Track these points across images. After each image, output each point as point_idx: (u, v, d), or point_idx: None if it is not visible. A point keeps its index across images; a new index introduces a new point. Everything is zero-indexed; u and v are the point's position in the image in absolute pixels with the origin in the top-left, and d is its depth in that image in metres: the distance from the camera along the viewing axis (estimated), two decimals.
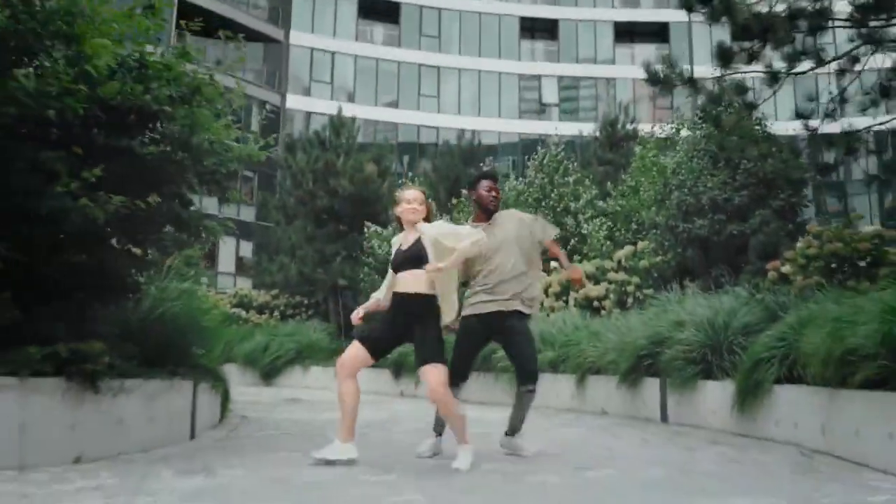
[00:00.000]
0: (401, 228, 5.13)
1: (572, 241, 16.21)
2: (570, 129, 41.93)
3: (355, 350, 4.84)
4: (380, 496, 3.68)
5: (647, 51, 43.71)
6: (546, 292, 14.34)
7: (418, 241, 4.88)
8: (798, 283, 8.16)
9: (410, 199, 5.01)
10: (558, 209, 16.64)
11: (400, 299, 4.85)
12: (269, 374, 17.14)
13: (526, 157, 41.80)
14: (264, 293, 20.73)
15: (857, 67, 7.99)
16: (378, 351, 4.90)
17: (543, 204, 16.83)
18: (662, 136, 16.46)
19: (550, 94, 44.43)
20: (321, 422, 8.09)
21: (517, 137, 42.78)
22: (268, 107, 8.12)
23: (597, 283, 13.48)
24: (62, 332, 4.61)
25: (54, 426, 4.30)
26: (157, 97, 5.15)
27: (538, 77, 44.24)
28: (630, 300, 12.06)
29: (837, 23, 7.84)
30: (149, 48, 5.54)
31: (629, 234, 14.01)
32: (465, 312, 5.26)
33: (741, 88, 6.84)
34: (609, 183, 16.58)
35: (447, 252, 4.75)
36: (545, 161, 17.36)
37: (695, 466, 4.89)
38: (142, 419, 5.03)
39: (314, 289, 20.21)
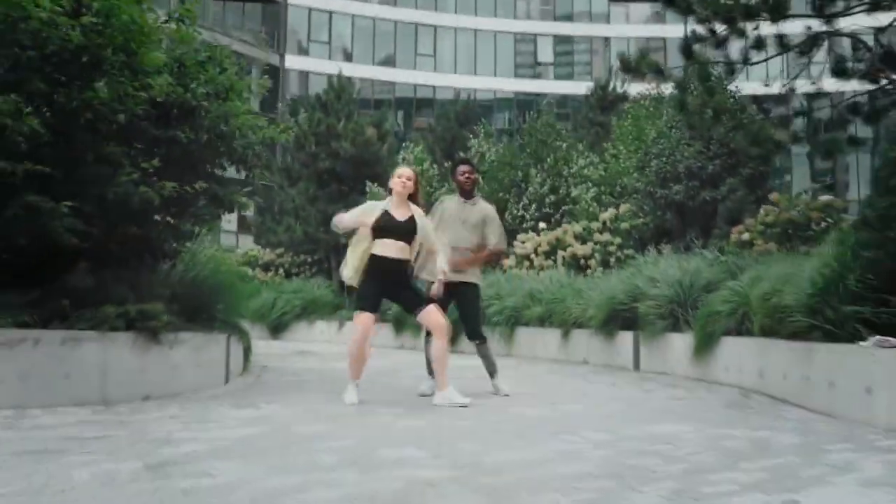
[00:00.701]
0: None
1: (564, 207, 17.16)
2: (564, 87, 42.67)
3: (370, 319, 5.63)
4: (391, 421, 4.72)
5: (643, 8, 44.16)
6: (535, 251, 15.36)
7: (412, 219, 5.61)
8: (757, 248, 9.17)
9: (402, 173, 5.69)
10: (552, 172, 17.54)
11: (387, 262, 5.54)
12: (276, 329, 18.20)
13: (521, 116, 42.74)
14: (269, 252, 21.71)
15: (815, 51, 8.84)
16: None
17: (538, 167, 17.73)
18: (647, 102, 17.29)
19: (546, 53, 44.93)
20: (332, 370, 9.14)
21: (512, 96, 43.42)
22: (268, 78, 8.78)
23: (584, 242, 14.49)
24: (128, 295, 5.61)
25: (128, 370, 5.33)
26: (196, 95, 6.08)
27: (533, 36, 44.69)
28: (613, 260, 13.06)
29: (798, 11, 8.69)
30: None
31: (613, 196, 14.95)
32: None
33: (705, 76, 7.72)
34: (594, 154, 17.45)
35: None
36: (538, 127, 18.21)
37: (648, 403, 5.94)
38: (191, 365, 6.06)
39: (317, 247, 21.19)
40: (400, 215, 5.59)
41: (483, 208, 6.54)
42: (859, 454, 3.91)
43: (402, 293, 5.68)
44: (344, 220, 5.83)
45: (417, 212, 5.71)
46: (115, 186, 5.50)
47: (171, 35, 6.09)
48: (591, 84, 29.64)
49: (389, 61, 42.91)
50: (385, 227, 5.53)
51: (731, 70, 7.72)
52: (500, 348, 12.53)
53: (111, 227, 5.95)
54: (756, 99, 8.45)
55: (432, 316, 5.55)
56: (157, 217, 6.77)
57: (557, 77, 43.82)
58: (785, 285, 6.15)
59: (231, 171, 7.59)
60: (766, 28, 8.55)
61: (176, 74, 6.17)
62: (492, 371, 6.44)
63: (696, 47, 7.82)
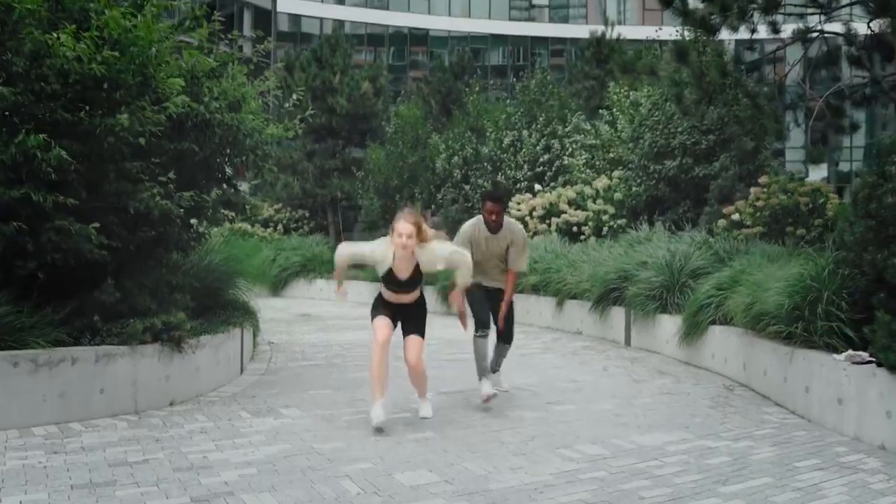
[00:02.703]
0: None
1: (557, 162, 17.40)
2: (559, 31, 42.28)
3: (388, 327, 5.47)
4: (401, 434, 5.16)
5: None
6: (531, 214, 15.69)
7: (417, 272, 5.39)
8: (745, 232, 9.54)
9: (402, 231, 5.22)
10: (546, 132, 17.73)
11: (392, 304, 5.52)
12: (276, 286, 18.61)
13: (515, 52, 42.45)
14: (268, 206, 21.99)
15: (808, 43, 9.05)
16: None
17: (532, 126, 17.90)
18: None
19: None
20: (337, 346, 9.60)
21: (507, 40, 43.04)
22: (261, 49, 8.86)
23: (577, 208, 14.82)
24: (152, 306, 5.96)
25: (155, 380, 5.73)
26: (209, 108, 6.33)
27: None
28: (605, 229, 13.42)
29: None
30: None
31: (606, 163, 15.20)
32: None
33: (698, 73, 7.93)
34: (586, 122, 17.60)
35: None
36: (532, 86, 18.31)
37: (637, 400, 6.39)
38: (211, 365, 6.46)
39: (315, 202, 21.49)
40: (403, 272, 5.39)
41: (509, 233, 6.44)
42: (827, 474, 4.37)
43: (406, 320, 5.56)
44: (340, 260, 5.77)
45: (426, 253, 5.39)
46: (136, 201, 5.80)
47: (186, 58, 6.29)
48: (585, 29, 29.50)
49: (383, 3, 42.33)
50: (388, 280, 5.44)
51: (723, 73, 7.93)
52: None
53: (129, 236, 6.27)
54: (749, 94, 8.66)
55: (409, 348, 5.43)
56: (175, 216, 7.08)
57: (553, 20, 43.33)
58: (765, 292, 6.54)
59: None
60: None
61: (189, 85, 6.40)
62: (497, 368, 6.67)
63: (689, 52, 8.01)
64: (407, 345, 5.46)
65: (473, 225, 6.47)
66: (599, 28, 24.87)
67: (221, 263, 8.51)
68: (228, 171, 7.29)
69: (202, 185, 6.77)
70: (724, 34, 8.33)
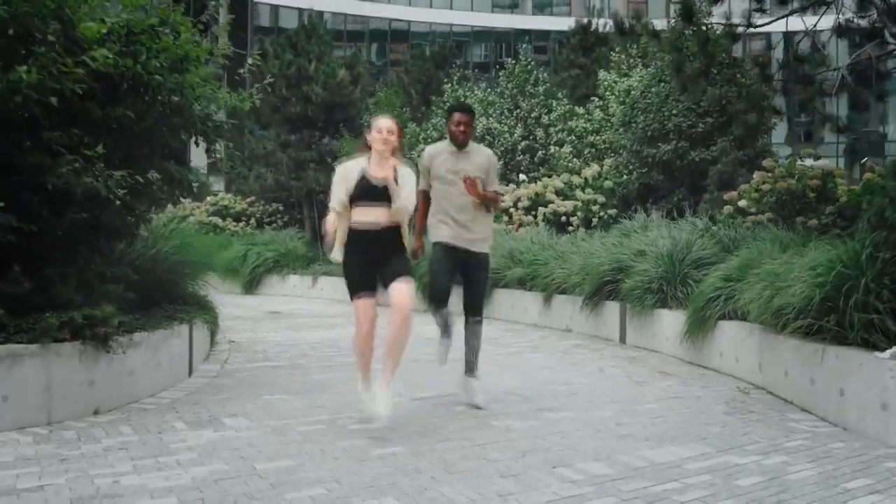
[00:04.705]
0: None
1: (540, 152, 16.59)
2: (543, 23, 41.50)
3: (371, 307, 4.75)
4: (366, 448, 4.28)
5: None
6: (515, 205, 14.85)
7: (394, 178, 4.72)
8: (751, 219, 8.73)
9: (382, 126, 4.77)
10: (529, 120, 16.92)
11: (367, 233, 4.73)
12: (249, 284, 17.68)
13: (497, 48, 41.54)
14: (241, 200, 21.00)
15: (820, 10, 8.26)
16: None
17: (514, 114, 17.08)
18: (633, 50, 16.61)
19: None
20: (304, 345, 8.70)
21: (490, 31, 42.20)
22: (248, 64, 8.07)
23: (565, 198, 14.00)
24: (75, 296, 5.05)
25: (75, 384, 4.81)
26: (147, 68, 5.41)
27: None
28: (595, 220, 12.60)
29: None
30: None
31: (595, 150, 14.41)
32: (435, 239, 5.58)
33: (703, 39, 7.15)
34: (576, 106, 16.81)
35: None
36: (516, 72, 17.49)
37: (642, 406, 5.55)
38: (149, 367, 5.55)
39: (289, 195, 20.53)
40: (379, 176, 4.71)
41: (481, 155, 5.62)
42: (886, 498, 3.55)
43: (387, 262, 4.75)
44: (331, 217, 4.92)
45: (403, 170, 4.84)
46: (55, 177, 4.89)
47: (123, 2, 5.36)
48: (570, 21, 28.68)
49: None
50: (362, 192, 4.70)
51: (733, 34, 7.14)
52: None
53: (55, 217, 5.35)
54: (756, 60, 7.90)
55: (402, 294, 4.63)
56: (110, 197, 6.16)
57: (536, 11, 42.55)
58: (783, 283, 5.72)
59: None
60: None
61: (123, 43, 5.48)
62: (472, 362, 5.65)
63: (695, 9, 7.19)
64: (395, 287, 4.65)
65: (432, 152, 5.62)
66: (585, 19, 24.12)
67: (173, 251, 7.61)
68: (179, 145, 6.35)
69: (144, 161, 5.83)
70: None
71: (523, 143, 16.76)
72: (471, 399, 5.50)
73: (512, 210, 14.72)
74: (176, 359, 6.13)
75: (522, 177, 16.32)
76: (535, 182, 15.15)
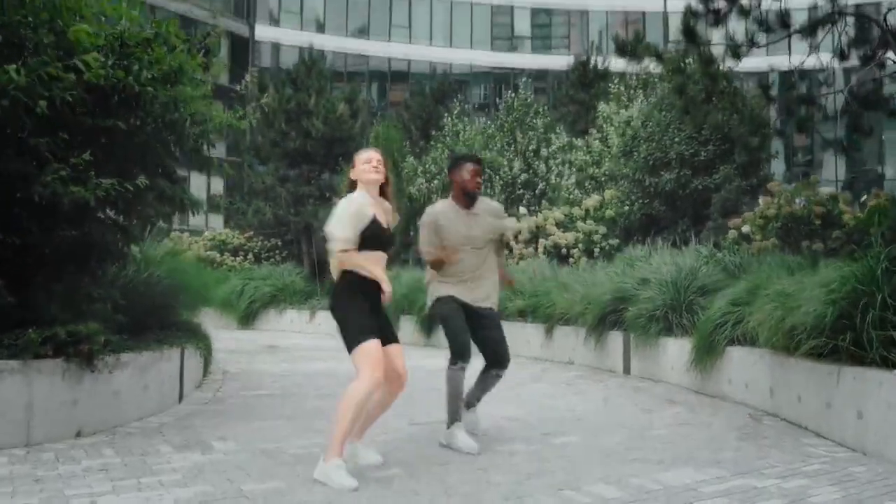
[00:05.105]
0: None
1: (541, 184, 16.49)
2: (542, 61, 41.81)
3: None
4: (362, 469, 4.04)
5: None
6: (515, 238, 14.70)
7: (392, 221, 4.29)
8: (756, 245, 8.56)
9: (370, 157, 4.24)
10: (528, 153, 16.85)
11: (376, 295, 4.11)
12: (245, 319, 17.44)
13: (497, 89, 41.79)
14: (238, 235, 20.85)
15: (820, 33, 8.20)
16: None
17: (513, 147, 17.02)
18: (631, 78, 16.62)
19: (523, 25, 44.00)
20: (299, 375, 8.46)
21: (489, 69, 42.52)
22: (245, 80, 8.06)
23: (566, 230, 13.84)
24: (59, 314, 4.85)
25: (57, 403, 4.58)
26: (139, 79, 5.28)
27: (510, 7, 43.70)
28: (597, 250, 12.43)
29: None
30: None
31: (595, 181, 14.31)
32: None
33: (707, 58, 7.06)
34: (575, 138, 16.78)
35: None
36: (515, 105, 17.48)
37: (650, 431, 5.31)
38: (136, 390, 5.32)
39: (287, 230, 20.39)
40: (384, 219, 4.23)
41: (489, 213, 5.11)
42: None
43: (380, 317, 4.20)
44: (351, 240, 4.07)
45: (395, 216, 4.39)
46: (41, 186, 4.72)
47: (107, 11, 5.25)
48: (569, 59, 28.85)
49: (363, 32, 41.73)
50: (373, 238, 4.09)
51: (735, 53, 7.05)
52: None
53: (44, 232, 5.17)
54: (760, 80, 7.82)
55: (401, 359, 4.20)
56: (100, 216, 5.99)
57: (535, 50, 42.93)
58: (794, 302, 5.52)
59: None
60: (770, 5, 7.91)
61: (117, 55, 5.36)
62: (474, 402, 5.18)
63: (697, 30, 7.11)
64: (396, 353, 4.17)
65: (437, 210, 5.00)
66: (584, 55, 24.24)
67: (166, 276, 7.42)
68: (173, 162, 6.19)
69: (133, 175, 5.66)
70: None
71: (523, 177, 16.68)
72: (473, 430, 5.06)
73: (512, 243, 14.56)
74: (165, 383, 5.90)
75: (523, 210, 16.20)
76: (536, 215, 15.03)
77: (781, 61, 8.82)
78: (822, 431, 5.15)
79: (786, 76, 9.42)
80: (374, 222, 4.10)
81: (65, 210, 4.97)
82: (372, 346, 3.93)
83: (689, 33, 6.86)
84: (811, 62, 7.34)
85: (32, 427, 4.44)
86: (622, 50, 7.13)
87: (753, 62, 11.70)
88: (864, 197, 9.07)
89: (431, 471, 4.10)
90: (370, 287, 4.05)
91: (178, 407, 6.08)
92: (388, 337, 4.17)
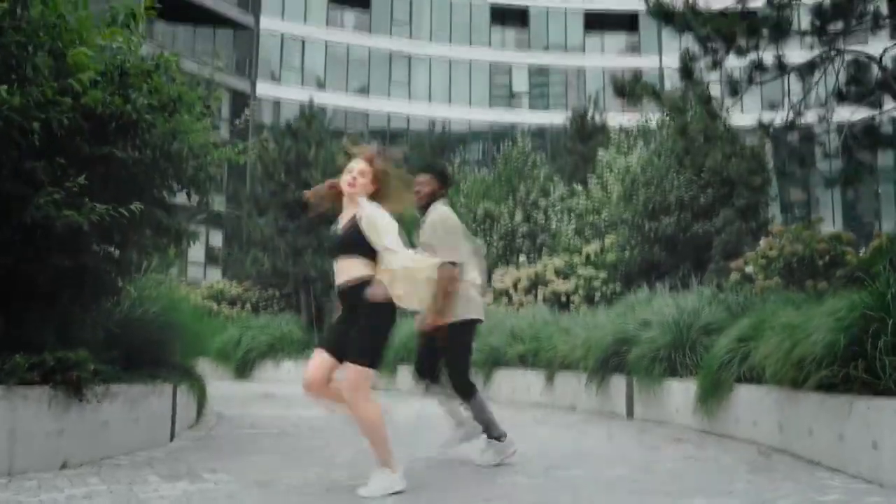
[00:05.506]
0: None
1: (542, 235, 16.46)
2: (539, 118, 42.33)
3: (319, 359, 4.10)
4: (358, 500, 3.87)
5: (618, 40, 44.19)
6: (515, 287, 14.60)
7: (352, 222, 4.04)
8: (760, 284, 8.47)
9: (353, 167, 4.09)
10: (527, 203, 16.86)
11: (339, 291, 4.10)
12: (241, 369, 17.21)
13: (496, 145, 42.21)
14: (236, 285, 20.73)
15: (817, 73, 8.26)
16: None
17: (511, 197, 17.04)
18: (630, 128, 16.76)
19: (521, 83, 44.67)
20: (295, 418, 8.26)
21: (488, 126, 42.99)
22: (244, 115, 8.13)
23: (565, 278, 13.75)
24: (49, 340, 4.72)
25: (42, 432, 4.42)
26: (137, 106, 5.25)
27: (508, 65, 44.43)
28: (598, 295, 12.33)
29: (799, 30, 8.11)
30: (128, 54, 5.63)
31: (594, 229, 14.29)
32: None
33: (705, 97, 7.09)
34: (575, 184, 16.84)
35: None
36: (514, 155, 17.58)
37: (657, 465, 5.14)
38: (125, 422, 5.16)
39: (286, 281, 20.28)
40: (343, 223, 4.09)
41: (430, 219, 5.11)
42: None
43: (345, 333, 4.03)
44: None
45: (369, 208, 4.04)
46: (34, 207, 4.64)
47: (106, 38, 5.24)
48: (567, 114, 29.18)
49: (363, 90, 42.30)
50: (329, 246, 4.19)
51: (733, 90, 7.08)
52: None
53: (38, 259, 5.07)
54: (760, 124, 7.84)
55: (347, 380, 3.95)
56: (95, 248, 5.90)
57: (533, 108, 43.48)
58: (802, 333, 5.40)
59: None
60: (767, 54, 7.99)
61: (117, 85, 5.34)
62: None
63: (695, 69, 7.15)
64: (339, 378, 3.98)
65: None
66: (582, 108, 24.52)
67: (160, 313, 7.28)
68: (169, 194, 6.12)
69: (127, 201, 5.59)
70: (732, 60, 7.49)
71: (524, 228, 16.66)
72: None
73: (511, 291, 14.48)
74: (156, 418, 5.73)
75: (522, 259, 16.16)
76: (535, 264, 14.97)
77: (778, 116, 8.88)
78: (836, 465, 4.97)
79: (781, 133, 9.50)
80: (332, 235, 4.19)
81: (58, 234, 4.88)
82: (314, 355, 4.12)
83: (687, 71, 6.90)
84: (809, 99, 7.38)
85: (15, 455, 4.27)
86: (620, 91, 7.16)
87: (749, 118, 11.85)
88: (864, 250, 9.03)
89: (431, 498, 3.92)
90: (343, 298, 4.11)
91: (169, 445, 5.89)
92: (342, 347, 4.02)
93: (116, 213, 5.02)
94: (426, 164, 5.53)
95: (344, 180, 4.09)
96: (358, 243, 3.99)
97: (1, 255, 4.61)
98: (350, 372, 3.91)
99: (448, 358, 5.06)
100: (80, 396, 4.63)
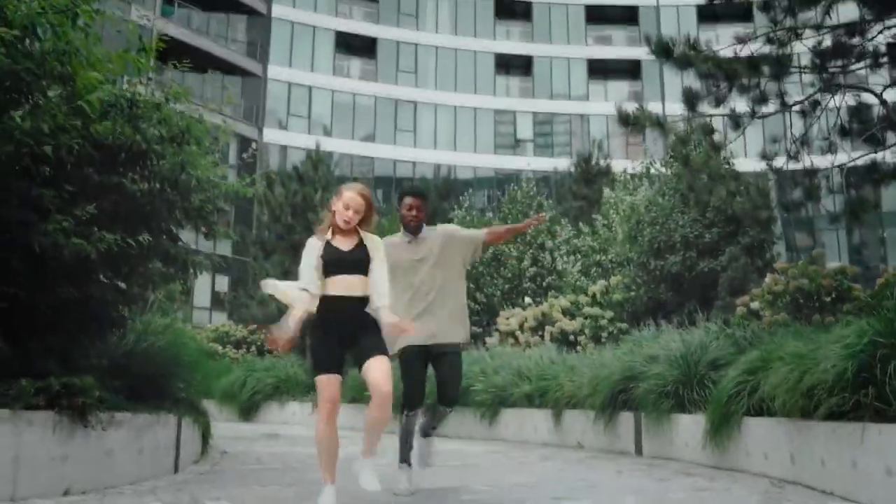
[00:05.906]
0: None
1: (549, 277, 16.46)
2: (544, 164, 42.65)
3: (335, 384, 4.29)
4: None
5: (620, 87, 44.64)
6: (521, 327, 14.55)
7: (360, 247, 4.36)
8: (766, 319, 8.43)
9: (349, 203, 4.35)
10: (534, 245, 16.91)
11: (340, 303, 4.31)
12: (247, 411, 17.11)
13: (501, 191, 42.47)
14: (242, 328, 20.71)
15: (819, 110, 8.34)
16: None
17: (518, 240, 17.10)
18: (634, 172, 16.89)
19: (525, 130, 45.09)
20: (301, 455, 8.18)
21: (493, 172, 43.27)
22: (251, 149, 8.29)
23: (572, 318, 13.71)
24: (54, 367, 4.72)
25: (46, 458, 4.39)
26: (146, 137, 5.32)
27: (513, 112, 44.90)
28: (605, 335, 12.28)
29: (799, 67, 8.22)
30: (138, 87, 5.73)
31: (600, 269, 14.30)
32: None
33: (708, 129, 7.16)
34: (581, 223, 16.92)
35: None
36: (519, 198, 17.68)
37: (668, 495, 5.06)
38: (130, 452, 5.12)
39: None
40: (345, 245, 4.36)
41: (436, 234, 5.26)
42: None
43: (361, 339, 4.31)
44: (304, 297, 4.43)
45: (370, 239, 4.44)
46: (42, 236, 4.68)
47: (118, 64, 5.33)
48: (571, 160, 29.41)
49: (369, 137, 42.74)
50: (330, 262, 4.28)
51: (736, 124, 7.16)
52: (483, 431, 11.58)
53: (44, 287, 5.10)
54: (764, 156, 7.90)
55: (376, 371, 4.19)
56: (102, 278, 5.93)
57: (537, 154, 43.80)
58: (811, 362, 5.37)
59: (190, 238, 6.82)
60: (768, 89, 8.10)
61: (127, 116, 5.43)
62: (430, 431, 5.32)
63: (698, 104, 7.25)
64: (371, 366, 4.20)
65: (388, 243, 4.99)
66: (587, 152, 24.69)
67: (166, 347, 7.27)
68: (176, 226, 6.17)
69: (137, 234, 5.63)
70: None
71: (532, 270, 16.68)
72: (425, 461, 5.20)
73: (518, 332, 14.42)
74: (161, 449, 5.69)
75: (528, 300, 16.13)
76: (541, 304, 14.94)
77: (781, 148, 8.96)
78: (849, 494, 4.90)
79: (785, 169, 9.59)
80: (328, 246, 4.36)
81: (65, 263, 4.91)
82: (320, 378, 4.28)
83: (690, 102, 6.99)
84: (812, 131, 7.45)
85: (18, 480, 4.24)
86: (625, 120, 7.24)
87: (754, 163, 11.95)
88: (868, 292, 9.01)
89: None
90: (331, 315, 4.33)
91: (173, 477, 5.84)
92: (364, 356, 4.26)
93: (125, 244, 5.06)
94: (414, 188, 5.63)
95: (341, 212, 4.36)
96: (365, 264, 4.37)
97: (7, 283, 4.62)
98: (382, 363, 4.23)
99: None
100: (84, 422, 4.61)
